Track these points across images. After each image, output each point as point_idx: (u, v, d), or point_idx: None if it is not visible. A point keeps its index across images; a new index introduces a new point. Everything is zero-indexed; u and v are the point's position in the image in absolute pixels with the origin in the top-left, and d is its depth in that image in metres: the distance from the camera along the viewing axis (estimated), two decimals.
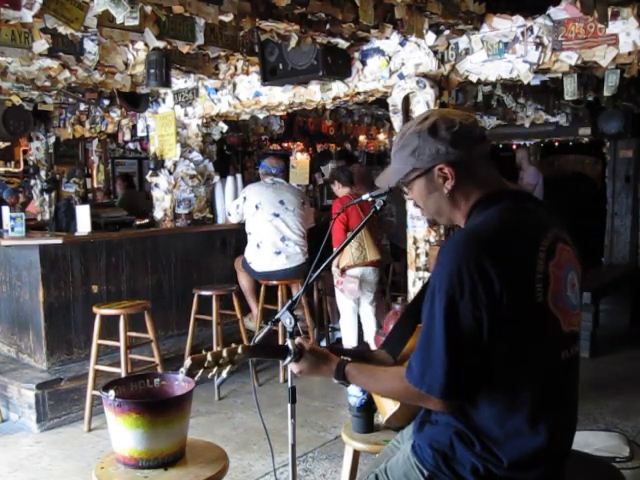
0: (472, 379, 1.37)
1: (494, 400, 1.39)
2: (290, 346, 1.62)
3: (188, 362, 1.56)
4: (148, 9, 3.16)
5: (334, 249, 4.59)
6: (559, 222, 1.52)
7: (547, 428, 1.39)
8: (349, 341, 4.94)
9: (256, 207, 4.89)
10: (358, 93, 4.60)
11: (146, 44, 3.77)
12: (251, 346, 1.66)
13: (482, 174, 1.50)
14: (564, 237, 1.48)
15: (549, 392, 1.41)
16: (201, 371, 1.58)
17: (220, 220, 5.66)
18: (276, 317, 1.72)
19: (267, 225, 4.86)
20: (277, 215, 4.87)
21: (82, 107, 6.62)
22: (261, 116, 6.00)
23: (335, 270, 4.82)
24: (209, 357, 1.56)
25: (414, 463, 1.51)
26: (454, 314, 1.33)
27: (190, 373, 1.57)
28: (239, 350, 1.59)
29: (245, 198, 4.98)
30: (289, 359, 1.63)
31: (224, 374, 1.59)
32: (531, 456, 1.40)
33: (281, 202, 4.90)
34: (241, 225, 5.12)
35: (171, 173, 5.75)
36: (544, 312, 1.38)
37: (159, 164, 5.78)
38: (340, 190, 5.25)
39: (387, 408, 1.67)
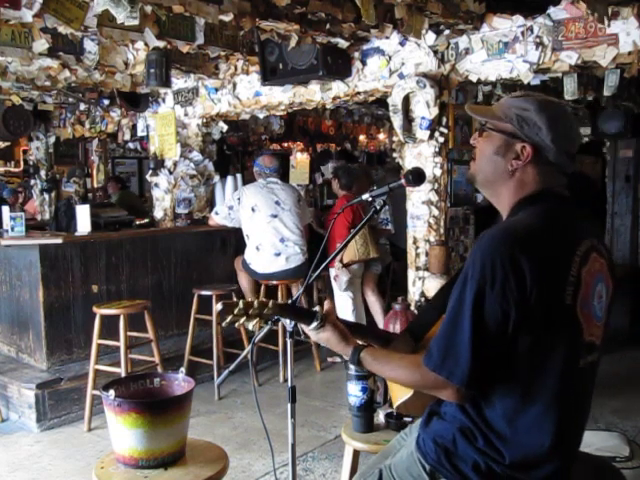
0: (490, 371, 1.37)
1: (508, 395, 1.40)
2: (318, 313, 1.64)
3: (220, 306, 1.58)
4: (148, 9, 3.17)
5: (338, 244, 4.61)
6: (599, 235, 1.55)
7: (554, 431, 1.39)
8: None
9: (252, 210, 4.83)
10: (358, 93, 4.60)
11: (146, 44, 3.77)
12: (281, 304, 1.67)
13: (547, 176, 1.50)
14: (600, 249, 1.49)
15: (562, 396, 1.41)
16: (230, 317, 1.59)
17: None
18: (276, 317, 1.72)
19: (265, 227, 4.82)
20: (275, 216, 4.83)
21: (82, 107, 6.63)
22: (261, 116, 6.01)
23: (337, 264, 4.86)
24: (240, 304, 1.58)
25: (417, 458, 1.52)
26: (483, 304, 1.34)
27: (222, 317, 1.58)
28: (270, 305, 1.61)
29: (239, 200, 4.91)
30: (314, 325, 1.64)
31: (249, 326, 1.61)
32: (534, 456, 1.40)
33: (277, 203, 4.86)
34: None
35: (171, 173, 5.75)
36: (570, 315, 1.39)
37: (159, 164, 5.78)
38: (338, 189, 5.32)
39: (400, 394, 1.67)
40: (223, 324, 1.63)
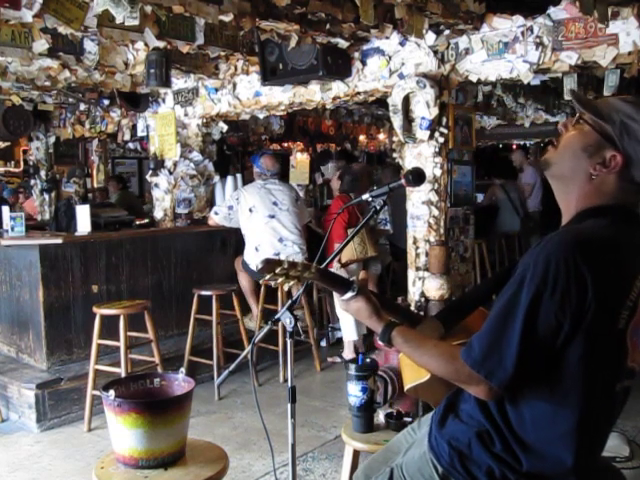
0: (530, 377, 1.34)
1: (539, 402, 1.37)
2: (354, 284, 1.61)
3: (260, 263, 1.52)
4: (148, 9, 3.17)
5: (336, 245, 4.60)
6: None
7: (577, 448, 1.37)
8: (350, 337, 4.95)
9: (250, 210, 4.86)
10: (358, 93, 4.60)
11: (146, 44, 3.77)
12: (322, 269, 1.63)
13: (626, 193, 1.42)
14: None
15: (592, 415, 1.38)
16: (270, 275, 1.54)
17: None
18: (276, 317, 1.72)
19: (264, 228, 4.83)
20: (272, 217, 4.84)
21: (82, 107, 6.63)
22: (261, 116, 6.01)
23: (336, 265, 4.86)
24: (285, 264, 1.53)
25: (429, 459, 1.50)
26: (539, 309, 1.29)
27: (261, 271, 1.53)
28: (312, 268, 1.58)
29: (238, 200, 4.93)
30: (348, 295, 1.60)
31: (286, 287, 1.58)
32: (552, 470, 1.38)
33: (274, 203, 4.87)
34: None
35: (171, 173, 5.75)
36: (620, 339, 1.35)
37: (159, 164, 5.78)
38: (336, 190, 5.34)
39: (413, 377, 1.64)
40: (261, 281, 1.62)
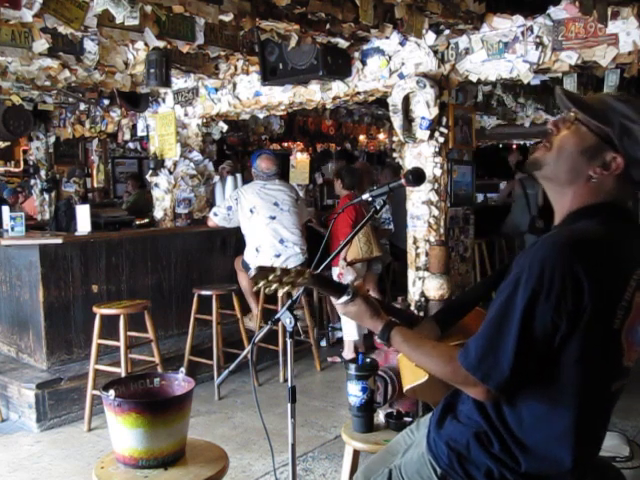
0: (527, 379, 1.34)
1: (536, 405, 1.37)
2: (349, 288, 1.61)
3: (254, 270, 1.54)
4: (148, 9, 3.17)
5: (341, 242, 4.58)
6: None
7: (575, 447, 1.37)
8: (351, 337, 4.95)
9: (251, 211, 4.85)
10: (358, 93, 4.60)
11: (146, 44, 3.77)
12: (316, 274, 1.64)
13: (622, 191, 1.41)
14: None
15: (589, 415, 1.38)
16: (263, 282, 1.56)
17: None
18: (276, 317, 1.72)
19: (264, 229, 4.82)
20: (273, 218, 4.83)
21: (82, 107, 6.63)
22: (261, 116, 6.01)
23: (342, 263, 4.85)
24: (278, 271, 1.55)
25: (428, 460, 1.50)
26: (535, 312, 1.28)
27: (254, 278, 1.55)
28: (305, 274, 1.59)
29: (237, 201, 4.92)
30: (344, 299, 1.61)
31: (280, 292, 1.58)
32: (551, 469, 1.38)
33: (275, 204, 4.86)
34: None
35: (171, 173, 5.75)
36: (616, 340, 1.35)
37: (159, 164, 5.79)
38: (341, 189, 5.31)
39: (411, 378, 1.65)
40: (255, 288, 1.63)
